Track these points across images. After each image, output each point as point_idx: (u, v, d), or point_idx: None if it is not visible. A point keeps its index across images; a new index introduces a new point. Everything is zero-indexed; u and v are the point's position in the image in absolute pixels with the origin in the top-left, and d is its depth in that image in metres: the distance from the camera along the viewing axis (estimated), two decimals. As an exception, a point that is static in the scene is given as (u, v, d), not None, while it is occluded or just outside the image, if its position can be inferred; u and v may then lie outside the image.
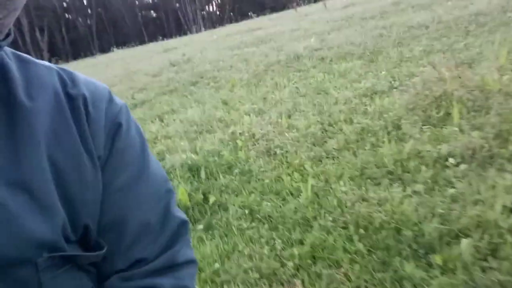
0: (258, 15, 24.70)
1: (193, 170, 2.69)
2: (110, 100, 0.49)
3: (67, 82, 0.47)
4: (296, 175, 2.38)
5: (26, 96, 0.42)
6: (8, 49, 0.45)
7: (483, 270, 1.39)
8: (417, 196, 1.87)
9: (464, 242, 1.50)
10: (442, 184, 1.92)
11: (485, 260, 1.44)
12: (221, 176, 2.55)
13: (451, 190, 1.82)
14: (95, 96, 0.47)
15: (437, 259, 1.47)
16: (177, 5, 49.13)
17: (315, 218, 1.91)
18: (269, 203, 2.13)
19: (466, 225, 1.58)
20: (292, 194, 2.21)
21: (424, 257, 1.53)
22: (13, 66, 0.44)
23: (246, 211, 2.12)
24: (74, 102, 0.45)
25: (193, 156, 2.86)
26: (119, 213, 0.47)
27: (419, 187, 1.91)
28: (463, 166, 2.00)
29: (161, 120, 4.33)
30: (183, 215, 0.54)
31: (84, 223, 0.44)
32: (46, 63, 0.48)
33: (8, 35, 0.40)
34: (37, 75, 0.45)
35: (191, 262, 0.53)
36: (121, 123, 0.48)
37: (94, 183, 0.45)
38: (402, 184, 2.02)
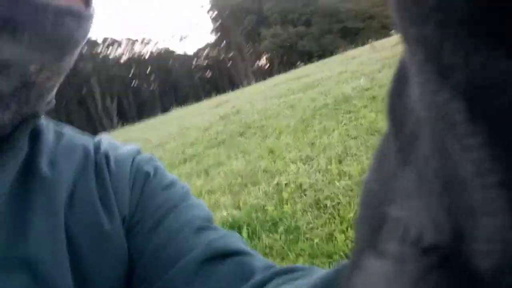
0: (305, 64, 25.21)
1: (235, 228, 2.44)
2: (137, 154, 0.46)
3: (98, 148, 0.44)
4: (351, 232, 2.01)
5: (48, 164, 0.39)
6: (50, 121, 0.44)
7: None
8: None
9: None
10: None
11: None
12: (264, 236, 2.26)
13: None
14: (120, 155, 0.45)
15: None
16: (230, 62, 52.49)
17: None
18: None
19: None
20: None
21: None
22: (47, 136, 0.41)
23: (293, 279, 1.78)
24: (97, 166, 0.42)
25: (235, 212, 2.62)
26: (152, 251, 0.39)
27: None
28: None
29: (207, 174, 4.22)
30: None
31: None
32: (86, 136, 0.47)
33: (48, 102, 0.38)
34: (68, 140, 0.43)
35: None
36: (148, 172, 0.44)
37: (115, 256, 0.39)
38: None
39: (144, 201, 0.43)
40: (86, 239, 0.38)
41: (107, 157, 0.43)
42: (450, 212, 0.10)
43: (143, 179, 0.44)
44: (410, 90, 0.11)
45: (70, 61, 0.37)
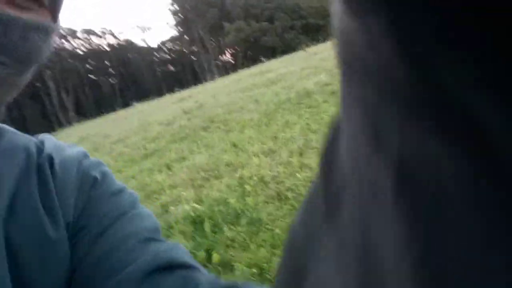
0: (269, 59, 25.35)
1: (197, 222, 2.42)
2: (84, 158, 0.44)
3: (41, 150, 0.42)
4: (310, 221, 2.06)
5: None
6: None
7: None
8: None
9: None
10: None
11: None
12: (226, 228, 2.27)
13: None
14: (65, 158, 0.43)
15: None
16: (193, 57, 51.56)
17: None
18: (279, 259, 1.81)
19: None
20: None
21: None
22: None
23: (254, 270, 1.80)
24: (40, 169, 0.40)
25: (197, 206, 2.60)
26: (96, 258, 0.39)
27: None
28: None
29: (169, 169, 4.15)
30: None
31: None
32: (28, 135, 0.44)
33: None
34: (8, 141, 0.41)
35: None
36: (96, 177, 0.42)
37: (59, 263, 0.38)
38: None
39: (90, 207, 0.41)
40: (28, 247, 0.37)
41: (51, 159, 0.41)
42: (363, 283, 0.10)
43: (90, 184, 0.42)
44: (341, 147, 0.11)
45: (30, 73, 0.36)
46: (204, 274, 0.40)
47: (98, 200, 0.42)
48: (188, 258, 0.40)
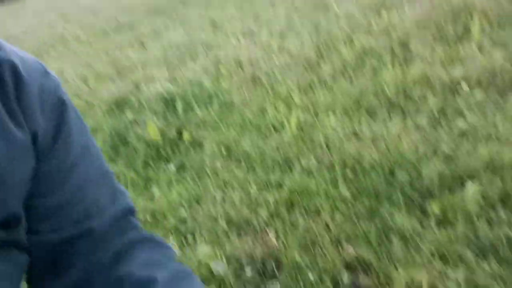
0: None
1: (169, 102, 2.40)
2: (46, 72, 0.46)
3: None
4: (282, 106, 2.07)
5: None
6: None
7: (489, 222, 1.15)
8: (419, 130, 1.58)
9: (470, 186, 1.25)
10: (451, 115, 1.61)
11: (493, 209, 1.20)
12: (198, 109, 2.26)
13: (461, 123, 1.52)
14: (27, 66, 0.44)
15: (434, 207, 1.23)
16: None
17: (297, 157, 1.66)
18: (248, 140, 1.87)
19: (475, 167, 1.31)
20: (275, 129, 1.94)
21: (420, 205, 1.29)
22: None
23: (223, 149, 1.87)
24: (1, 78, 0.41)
25: (170, 86, 2.54)
26: (69, 193, 0.45)
27: (422, 119, 1.61)
28: (478, 93, 1.66)
29: (142, 45, 3.91)
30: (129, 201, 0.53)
31: (10, 206, 0.40)
32: None
33: None
34: None
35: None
36: (65, 101, 0.46)
37: (25, 161, 0.41)
38: (403, 116, 1.71)
39: (63, 132, 0.45)
40: None
41: (13, 66, 0.42)
42: None
43: (60, 106, 0.45)
44: None
45: None
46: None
47: (70, 126, 0.46)
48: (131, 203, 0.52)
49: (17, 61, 0.43)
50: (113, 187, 0.51)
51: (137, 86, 2.74)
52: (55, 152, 0.44)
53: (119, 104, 2.56)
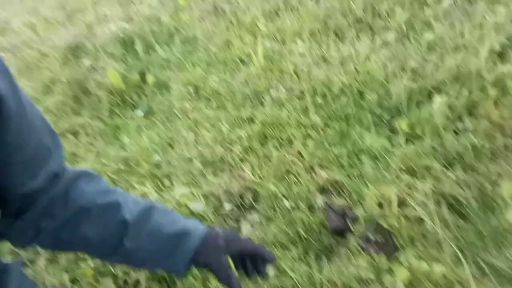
0: None
1: (127, 44, 2.23)
2: None
3: None
4: (247, 37, 1.96)
5: None
6: None
7: (456, 133, 1.18)
8: (387, 48, 1.53)
9: (438, 100, 1.25)
10: (419, 28, 1.56)
11: (460, 119, 1.22)
12: (159, 48, 2.12)
13: (428, 36, 1.48)
14: None
15: (402, 124, 1.25)
16: None
17: (267, 89, 1.61)
18: (216, 77, 1.79)
19: (442, 80, 1.31)
20: (242, 62, 1.85)
21: (388, 124, 1.30)
22: None
23: (191, 89, 1.80)
24: None
25: (126, 25, 2.34)
26: (17, 143, 0.49)
27: (390, 36, 1.55)
28: (446, 3, 1.60)
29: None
30: None
31: None
32: None
33: None
34: None
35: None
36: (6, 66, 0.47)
37: None
38: (371, 35, 1.65)
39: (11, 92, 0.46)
40: None
41: None
42: None
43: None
44: None
45: None
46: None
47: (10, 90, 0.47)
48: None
49: None
50: (51, 129, 0.58)
51: (90, 29, 2.52)
52: None
53: (74, 51, 2.37)
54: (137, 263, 0.65)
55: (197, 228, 0.64)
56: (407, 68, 1.39)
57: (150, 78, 1.93)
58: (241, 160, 1.39)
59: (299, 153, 1.31)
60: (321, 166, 1.25)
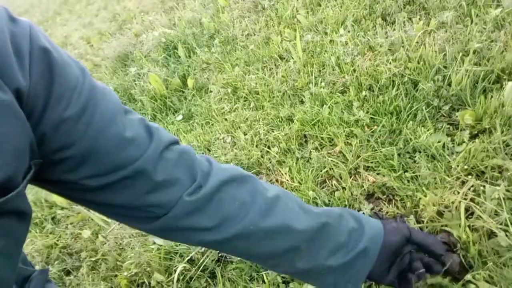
0: None
1: (170, 49, 2.25)
2: (12, 19, 0.40)
3: None
4: (287, 32, 1.85)
5: None
6: None
7: (534, 124, 0.96)
8: (444, 29, 1.33)
9: (509, 85, 1.04)
10: (482, 4, 1.33)
11: (539, 108, 0.99)
12: (199, 51, 2.10)
13: (495, 11, 1.25)
14: None
15: (465, 116, 1.05)
16: None
17: (307, 85, 1.49)
18: (253, 76, 1.71)
19: (515, 61, 1.08)
20: (282, 58, 1.75)
21: (448, 117, 1.11)
22: None
23: (229, 90, 1.74)
24: None
25: (168, 31, 2.37)
26: (91, 139, 0.43)
27: (448, 15, 1.34)
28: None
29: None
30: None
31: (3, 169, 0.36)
32: None
33: None
34: None
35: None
36: (46, 47, 0.41)
37: (10, 122, 0.37)
38: (425, 16, 1.45)
39: (58, 81, 0.41)
40: None
41: None
42: None
43: (43, 54, 0.40)
44: None
45: None
46: (168, 135, 0.53)
47: (63, 73, 0.42)
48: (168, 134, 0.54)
49: None
50: (141, 122, 0.50)
51: (137, 38, 2.60)
52: (55, 105, 0.41)
53: (123, 60, 2.46)
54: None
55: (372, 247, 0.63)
56: (470, 50, 1.18)
57: (190, 82, 1.91)
58: (279, 162, 1.29)
59: (342, 153, 1.18)
60: (367, 168, 1.11)
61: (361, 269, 0.61)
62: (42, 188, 0.48)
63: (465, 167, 0.97)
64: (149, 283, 1.09)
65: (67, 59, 0.44)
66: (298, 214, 0.57)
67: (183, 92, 1.92)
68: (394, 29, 1.45)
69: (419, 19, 1.43)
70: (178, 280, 1.07)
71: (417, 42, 1.33)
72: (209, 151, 1.51)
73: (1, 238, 0.38)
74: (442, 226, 0.90)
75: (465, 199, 0.92)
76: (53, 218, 1.57)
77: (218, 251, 1.08)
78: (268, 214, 0.55)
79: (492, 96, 1.05)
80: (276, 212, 0.55)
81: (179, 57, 2.14)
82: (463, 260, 0.83)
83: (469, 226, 0.88)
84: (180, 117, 1.79)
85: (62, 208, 1.56)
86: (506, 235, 0.82)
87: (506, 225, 0.83)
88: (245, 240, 0.54)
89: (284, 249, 0.56)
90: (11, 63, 0.37)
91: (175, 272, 1.07)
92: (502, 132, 0.98)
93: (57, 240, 1.42)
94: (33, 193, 1.71)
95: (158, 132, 0.51)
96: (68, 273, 1.30)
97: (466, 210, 0.91)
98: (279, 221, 0.55)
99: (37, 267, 1.35)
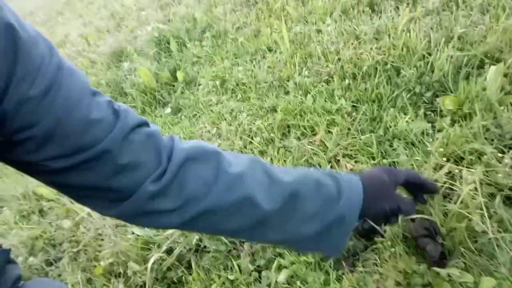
0: None
1: (162, 43, 2.25)
2: None
3: None
4: (276, 24, 1.84)
5: None
6: None
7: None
8: (430, 17, 1.30)
9: (491, 70, 1.01)
10: (471, -10, 1.30)
11: (521, 92, 0.96)
12: (189, 45, 2.10)
13: (482, -3, 1.22)
14: None
15: (446, 102, 1.03)
16: None
17: (292, 75, 1.47)
18: (241, 68, 1.70)
19: (496, 45, 1.05)
20: (270, 50, 1.73)
21: (430, 103, 1.09)
22: None
23: (217, 83, 1.73)
24: None
25: (161, 26, 2.37)
26: (56, 119, 0.43)
27: (434, 1, 1.31)
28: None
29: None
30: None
31: None
32: None
33: None
34: None
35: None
36: (11, 23, 0.39)
37: None
38: (411, 3, 1.42)
39: (22, 60, 0.40)
40: None
41: None
42: None
43: (7, 31, 0.39)
44: None
45: None
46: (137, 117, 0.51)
47: (28, 51, 0.41)
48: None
49: None
50: (109, 104, 0.49)
51: (133, 33, 2.60)
52: (18, 84, 0.40)
53: (118, 56, 2.46)
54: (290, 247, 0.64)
55: (351, 197, 0.60)
56: (454, 34, 1.15)
57: (180, 75, 1.90)
58: (261, 152, 1.27)
59: (322, 142, 1.16)
60: (346, 156, 1.09)
61: (339, 235, 0.59)
62: (13, 168, 0.48)
63: (444, 152, 0.94)
64: (126, 272, 1.08)
65: (34, 37, 0.43)
66: (264, 186, 0.55)
67: (173, 86, 1.92)
68: (380, 17, 1.43)
69: (406, 6, 1.40)
70: (155, 270, 1.06)
71: (403, 30, 1.30)
72: (195, 142, 1.50)
73: None
74: (417, 211, 0.87)
75: (442, 185, 0.89)
76: (40, 211, 1.58)
77: (192, 237, 1.07)
78: (232, 190, 0.53)
79: (474, 81, 1.03)
80: (240, 188, 0.53)
81: (172, 51, 2.14)
82: (444, 250, 0.80)
83: (445, 212, 0.85)
84: (168, 110, 1.78)
85: (49, 200, 1.57)
86: (482, 220, 0.80)
87: (481, 209, 0.80)
88: (210, 217, 0.53)
89: (251, 223, 0.54)
90: None
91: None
92: (483, 116, 0.95)
93: (42, 232, 1.43)
94: (23, 186, 1.72)
95: (125, 113, 0.50)
96: (50, 264, 1.30)
97: (444, 196, 0.89)
98: (243, 196, 0.53)
99: (20, 258, 1.35)
